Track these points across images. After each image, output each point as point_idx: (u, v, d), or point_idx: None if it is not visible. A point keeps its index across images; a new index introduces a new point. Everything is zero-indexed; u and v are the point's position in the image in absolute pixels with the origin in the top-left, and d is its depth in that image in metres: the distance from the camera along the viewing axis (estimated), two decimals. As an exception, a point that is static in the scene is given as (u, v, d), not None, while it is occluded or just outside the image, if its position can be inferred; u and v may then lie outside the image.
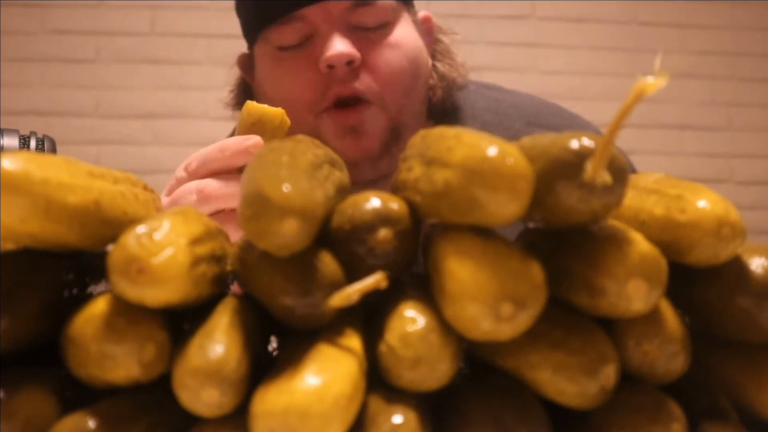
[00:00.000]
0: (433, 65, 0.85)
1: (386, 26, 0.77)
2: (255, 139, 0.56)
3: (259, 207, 0.30)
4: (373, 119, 0.76)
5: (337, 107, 0.75)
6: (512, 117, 0.85)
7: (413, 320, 0.32)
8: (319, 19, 0.75)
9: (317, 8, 0.75)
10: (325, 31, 0.75)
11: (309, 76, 0.75)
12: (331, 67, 0.73)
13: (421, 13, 0.86)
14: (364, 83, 0.75)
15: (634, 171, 0.70)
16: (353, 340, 0.33)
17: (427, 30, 0.86)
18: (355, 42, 0.75)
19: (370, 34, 0.76)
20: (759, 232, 2.06)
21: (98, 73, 2.07)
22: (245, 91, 0.87)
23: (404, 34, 0.79)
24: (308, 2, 0.74)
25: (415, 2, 0.86)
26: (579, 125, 0.87)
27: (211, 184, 0.57)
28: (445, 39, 0.87)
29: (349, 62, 0.74)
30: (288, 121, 0.60)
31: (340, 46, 0.73)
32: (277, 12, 0.76)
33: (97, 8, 2.08)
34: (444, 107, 0.84)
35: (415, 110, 0.80)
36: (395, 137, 0.78)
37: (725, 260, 0.35)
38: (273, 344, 0.37)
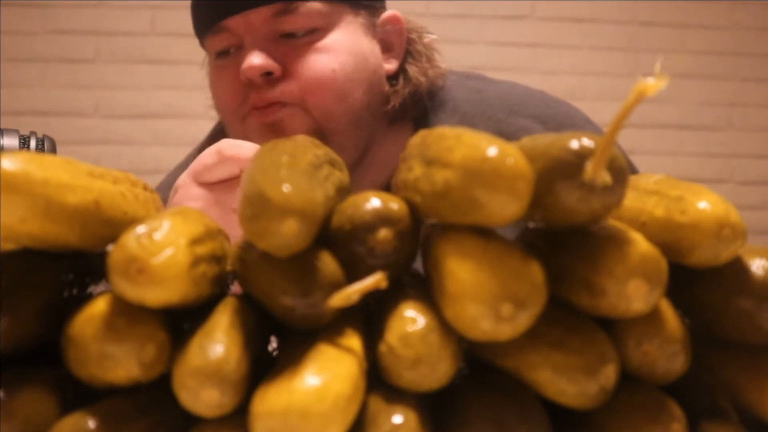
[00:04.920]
0: (402, 68, 0.83)
1: (315, 32, 0.76)
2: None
3: (259, 207, 0.30)
4: (292, 119, 0.75)
5: (257, 109, 0.76)
6: (494, 107, 0.82)
7: (413, 320, 0.32)
8: (241, 29, 0.76)
9: (239, 19, 0.75)
10: (248, 41, 0.76)
11: (233, 84, 0.77)
12: (249, 78, 0.75)
13: (387, 13, 0.83)
14: (281, 91, 0.75)
15: (635, 171, 0.69)
16: (353, 340, 0.33)
17: (395, 31, 0.83)
18: (279, 50, 0.75)
19: (296, 41, 0.76)
20: (759, 233, 2.06)
21: (98, 73, 2.07)
22: None
23: (339, 39, 0.77)
24: (229, 14, 0.76)
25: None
26: (564, 113, 0.85)
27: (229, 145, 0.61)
28: (419, 39, 0.85)
29: (267, 73, 0.74)
30: None
31: (255, 59, 0.73)
32: (206, 23, 0.78)
33: (97, 8, 2.08)
34: (407, 112, 0.82)
35: (351, 117, 0.78)
36: (322, 142, 0.76)
37: (726, 261, 0.35)
38: (273, 344, 0.37)
